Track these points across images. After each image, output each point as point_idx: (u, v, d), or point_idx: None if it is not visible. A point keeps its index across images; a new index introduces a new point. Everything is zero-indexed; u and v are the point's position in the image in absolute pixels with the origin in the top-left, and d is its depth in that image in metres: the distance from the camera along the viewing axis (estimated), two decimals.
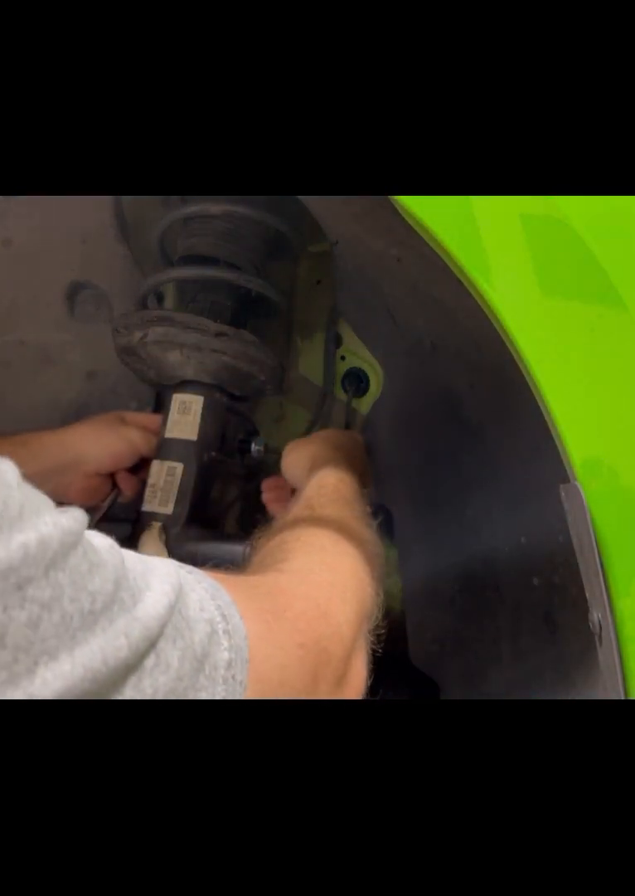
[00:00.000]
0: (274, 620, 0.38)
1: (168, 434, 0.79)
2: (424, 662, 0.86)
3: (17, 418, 0.88)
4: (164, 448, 0.79)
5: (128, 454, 0.80)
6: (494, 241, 0.42)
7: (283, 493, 0.78)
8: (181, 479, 0.76)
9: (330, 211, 0.67)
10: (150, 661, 0.27)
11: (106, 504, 0.80)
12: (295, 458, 0.72)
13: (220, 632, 0.32)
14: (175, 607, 0.30)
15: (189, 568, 0.35)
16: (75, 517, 0.26)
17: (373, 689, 0.45)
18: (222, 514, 0.94)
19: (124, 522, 0.80)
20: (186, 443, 0.78)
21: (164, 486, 0.77)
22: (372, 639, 0.47)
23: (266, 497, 0.81)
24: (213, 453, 0.80)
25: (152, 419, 0.84)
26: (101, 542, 0.28)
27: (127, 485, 0.81)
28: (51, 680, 0.23)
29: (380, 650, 0.47)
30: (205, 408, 0.79)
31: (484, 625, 0.72)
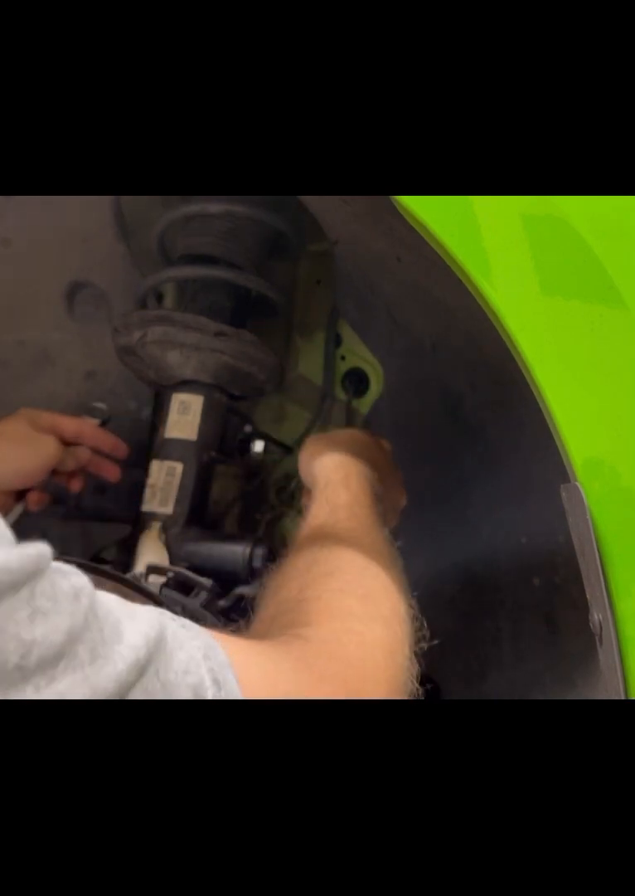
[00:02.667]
0: None
1: (167, 434, 0.79)
2: (424, 662, 0.86)
3: None
4: (164, 448, 0.78)
5: (40, 471, 0.72)
6: (495, 241, 0.42)
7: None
8: (181, 479, 0.76)
9: (330, 210, 0.67)
10: None
11: (8, 521, 0.75)
12: (306, 457, 0.66)
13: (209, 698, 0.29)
14: (147, 667, 0.27)
15: (184, 622, 0.32)
16: (27, 555, 0.24)
17: None
18: (222, 514, 0.94)
19: (123, 522, 0.80)
20: (186, 443, 0.78)
21: (164, 486, 0.76)
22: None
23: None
24: (213, 453, 0.79)
25: (69, 423, 0.75)
26: (69, 588, 0.25)
27: (35, 502, 0.74)
28: None
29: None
30: (205, 408, 0.79)
31: (485, 625, 0.72)
